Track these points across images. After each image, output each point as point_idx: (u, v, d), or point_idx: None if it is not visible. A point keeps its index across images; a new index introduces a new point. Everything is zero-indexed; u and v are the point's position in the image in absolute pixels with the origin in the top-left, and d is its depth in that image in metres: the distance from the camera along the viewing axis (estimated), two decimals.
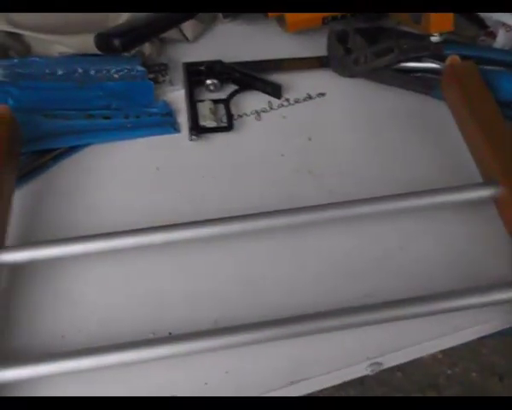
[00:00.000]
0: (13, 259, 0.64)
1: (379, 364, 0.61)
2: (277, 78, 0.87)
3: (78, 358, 0.58)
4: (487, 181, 0.69)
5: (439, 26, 0.79)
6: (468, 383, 1.63)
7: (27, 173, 0.76)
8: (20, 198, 0.73)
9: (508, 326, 0.64)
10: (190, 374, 0.60)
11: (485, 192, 0.68)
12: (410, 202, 0.68)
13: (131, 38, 0.69)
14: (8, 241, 0.67)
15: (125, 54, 0.84)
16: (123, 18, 0.84)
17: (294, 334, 0.60)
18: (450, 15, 0.79)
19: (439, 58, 0.82)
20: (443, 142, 0.78)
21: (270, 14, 0.90)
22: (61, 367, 0.58)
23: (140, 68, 0.85)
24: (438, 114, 0.81)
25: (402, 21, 0.90)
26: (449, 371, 1.62)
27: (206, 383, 0.59)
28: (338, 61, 0.87)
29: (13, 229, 0.69)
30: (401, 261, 0.68)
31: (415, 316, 0.61)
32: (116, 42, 0.67)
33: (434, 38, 0.80)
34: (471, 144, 0.73)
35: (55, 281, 0.67)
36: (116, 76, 0.85)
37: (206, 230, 0.67)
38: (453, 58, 0.79)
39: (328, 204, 0.68)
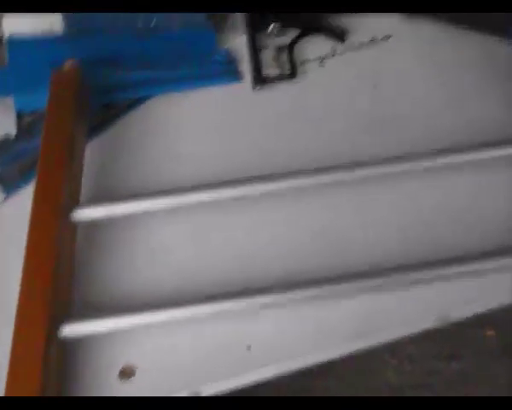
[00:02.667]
0: (87, 216, 0.66)
1: (446, 317, 0.62)
2: (342, 20, 0.85)
3: (152, 311, 0.60)
4: None
5: None
6: None
7: (97, 126, 0.77)
8: (91, 151, 0.75)
9: None
10: (263, 326, 0.62)
11: None
12: (472, 155, 0.67)
13: None
14: (82, 195, 0.70)
15: None
16: None
17: (368, 289, 0.61)
18: None
19: None
20: None
21: None
22: (134, 321, 0.60)
23: (200, 16, 0.84)
24: (508, 57, 0.77)
25: None
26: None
27: (280, 333, 0.61)
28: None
29: (85, 182, 0.71)
30: (474, 215, 0.67)
31: (491, 271, 0.61)
32: None
33: None
34: None
35: (130, 236, 0.69)
36: (177, 25, 0.84)
37: (273, 184, 0.67)
38: None
39: (396, 157, 0.67)
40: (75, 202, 0.67)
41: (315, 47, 0.84)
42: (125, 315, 0.60)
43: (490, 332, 1.65)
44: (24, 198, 0.68)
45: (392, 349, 1.64)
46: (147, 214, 0.68)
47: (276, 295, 0.60)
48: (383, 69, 0.81)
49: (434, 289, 0.62)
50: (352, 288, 0.61)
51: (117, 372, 0.60)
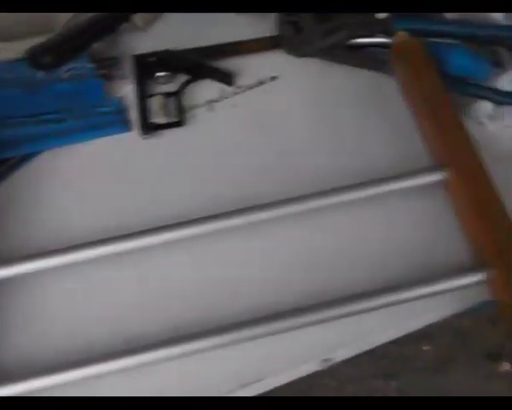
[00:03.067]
0: None
1: (329, 359, 0.62)
2: (230, 63, 0.86)
3: (39, 376, 0.60)
4: (436, 165, 0.69)
5: None
6: (461, 329, 1.67)
7: None
8: None
9: (457, 312, 0.65)
10: (144, 383, 0.62)
11: (433, 177, 0.68)
12: (360, 192, 0.68)
13: (62, 52, 0.68)
14: None
15: None
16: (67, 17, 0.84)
17: (246, 338, 0.61)
18: None
19: (390, 33, 0.81)
20: (396, 122, 0.77)
21: None
22: (24, 387, 0.60)
23: (89, 66, 0.84)
24: (391, 92, 0.79)
25: None
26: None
27: (160, 390, 0.61)
28: (288, 41, 0.86)
29: None
30: (352, 253, 0.68)
31: (367, 310, 0.62)
32: (47, 59, 0.66)
33: (380, 15, 0.79)
34: (419, 125, 0.72)
35: (17, 299, 0.68)
36: (65, 76, 0.84)
37: (163, 235, 0.68)
38: (400, 34, 0.77)
39: (277, 201, 0.68)
40: None
41: (203, 92, 0.84)
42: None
43: (426, 347, 1.68)
44: None
45: (332, 372, 1.65)
46: (32, 275, 0.67)
47: (158, 351, 0.61)
48: (270, 110, 0.82)
49: (319, 332, 0.62)
50: (234, 337, 0.61)
51: None
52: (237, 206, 0.69)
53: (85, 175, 0.78)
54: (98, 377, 0.61)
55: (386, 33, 0.81)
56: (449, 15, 0.82)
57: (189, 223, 0.68)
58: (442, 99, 0.71)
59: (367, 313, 0.62)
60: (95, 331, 0.65)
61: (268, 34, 0.89)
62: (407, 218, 0.70)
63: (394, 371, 1.65)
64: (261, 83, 0.85)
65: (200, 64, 0.85)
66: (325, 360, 0.63)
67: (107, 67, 0.86)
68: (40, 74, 0.82)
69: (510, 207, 0.65)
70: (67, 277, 0.69)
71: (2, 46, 0.83)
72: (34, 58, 0.66)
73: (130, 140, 0.80)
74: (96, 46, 0.87)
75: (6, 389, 0.59)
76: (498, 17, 0.78)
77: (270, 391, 0.63)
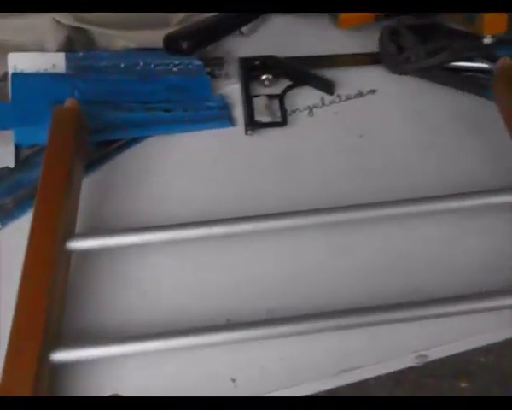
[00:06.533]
0: (81, 246, 0.68)
1: (424, 356, 0.64)
2: (329, 73, 0.90)
3: (140, 341, 0.62)
4: None
5: (492, 28, 0.81)
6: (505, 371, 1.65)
7: (93, 163, 0.80)
8: (87, 186, 0.77)
9: None
10: (248, 360, 0.64)
11: None
12: (457, 202, 0.70)
13: (198, 40, 0.73)
14: (77, 226, 0.72)
15: None
16: (181, 15, 0.88)
17: (346, 326, 0.63)
18: (504, 16, 0.80)
19: (492, 59, 0.84)
20: (492, 144, 0.80)
21: None
22: (123, 350, 0.62)
23: (197, 63, 0.89)
24: (488, 115, 0.82)
25: (454, 19, 0.90)
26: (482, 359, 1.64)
27: (262, 367, 0.63)
28: (389, 58, 0.89)
29: (80, 215, 0.74)
30: (448, 261, 0.71)
31: (460, 313, 0.64)
32: (184, 44, 0.70)
33: (486, 40, 0.82)
34: None
35: (122, 268, 0.71)
36: (175, 70, 0.88)
37: (258, 224, 0.70)
38: (505, 60, 0.80)
39: (379, 202, 0.70)
40: (71, 233, 0.69)
41: (305, 97, 0.88)
42: (114, 344, 0.62)
43: (464, 384, 1.67)
44: (19, 228, 0.71)
45: None
46: (138, 247, 0.70)
47: (259, 330, 0.63)
48: (369, 121, 0.85)
49: (414, 329, 0.65)
50: (334, 324, 0.63)
51: None
52: (331, 204, 0.71)
53: (187, 162, 0.81)
54: (198, 348, 0.63)
55: (489, 59, 0.84)
56: None
57: (284, 215, 0.70)
58: None
59: (464, 317, 0.64)
60: (195, 306, 0.68)
61: (368, 50, 0.92)
62: (501, 232, 0.73)
63: None
64: (360, 95, 0.88)
65: (303, 71, 0.89)
66: (420, 357, 0.64)
67: (213, 66, 0.91)
68: (152, 65, 0.87)
69: None
70: (162, 252, 0.72)
71: (115, 34, 0.88)
72: (172, 43, 0.70)
73: (234, 134, 0.84)
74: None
75: (111, 348, 0.62)
76: None
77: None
